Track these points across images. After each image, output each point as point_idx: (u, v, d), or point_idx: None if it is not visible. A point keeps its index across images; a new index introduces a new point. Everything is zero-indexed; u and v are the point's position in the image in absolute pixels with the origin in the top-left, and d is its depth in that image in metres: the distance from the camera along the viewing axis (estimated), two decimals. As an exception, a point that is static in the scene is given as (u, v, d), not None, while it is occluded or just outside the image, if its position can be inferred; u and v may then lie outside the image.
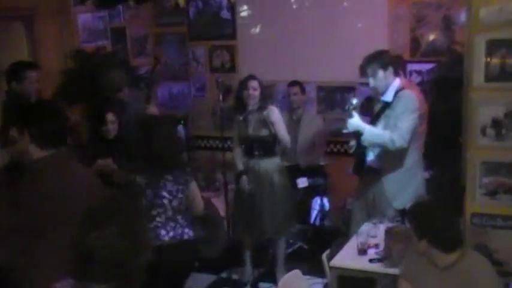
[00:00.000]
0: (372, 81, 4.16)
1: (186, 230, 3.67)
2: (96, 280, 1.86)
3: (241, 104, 4.82)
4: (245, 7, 6.25)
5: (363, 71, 4.25)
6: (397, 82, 4.15)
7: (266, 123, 4.76)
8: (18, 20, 5.40)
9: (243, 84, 4.83)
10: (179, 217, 3.66)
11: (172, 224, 3.63)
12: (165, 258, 3.43)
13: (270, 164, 4.84)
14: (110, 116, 4.49)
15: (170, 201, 3.62)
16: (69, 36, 5.86)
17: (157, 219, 3.59)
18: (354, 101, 4.14)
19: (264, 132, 4.78)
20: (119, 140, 4.47)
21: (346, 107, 4.15)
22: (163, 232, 3.59)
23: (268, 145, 4.84)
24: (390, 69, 4.13)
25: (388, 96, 4.12)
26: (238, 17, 6.34)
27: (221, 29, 6.44)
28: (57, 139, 2.74)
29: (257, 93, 4.77)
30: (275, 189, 4.84)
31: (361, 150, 4.23)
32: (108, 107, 4.71)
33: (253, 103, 4.76)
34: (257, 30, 6.25)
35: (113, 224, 1.89)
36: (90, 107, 5.29)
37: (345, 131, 4.14)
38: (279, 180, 4.86)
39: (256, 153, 4.81)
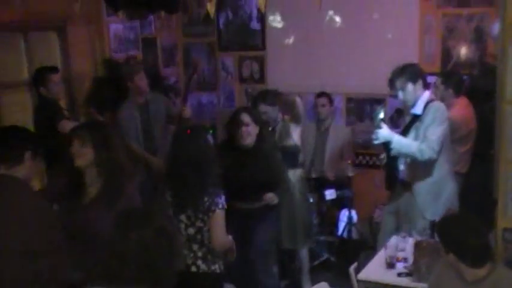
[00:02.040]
0: (401, 95, 4.16)
1: (199, 263, 3.33)
2: (126, 284, 1.87)
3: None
4: (275, 18, 6.28)
5: (391, 84, 4.23)
6: (426, 94, 4.15)
7: (289, 134, 4.73)
8: (52, 30, 5.49)
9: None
10: (195, 246, 3.33)
11: (185, 251, 3.30)
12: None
13: (292, 176, 4.79)
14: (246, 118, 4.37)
15: (186, 226, 3.31)
16: (101, 45, 5.93)
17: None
18: (381, 112, 4.15)
19: (289, 142, 4.74)
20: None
21: (374, 115, 4.19)
22: (189, 262, 3.34)
23: (291, 156, 4.78)
24: (420, 82, 4.11)
25: (418, 109, 4.12)
26: (268, 28, 6.39)
27: (250, 40, 6.50)
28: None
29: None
30: (295, 200, 4.80)
31: (392, 162, 4.23)
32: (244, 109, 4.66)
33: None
34: (286, 41, 6.28)
35: (146, 230, 1.91)
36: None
37: (375, 141, 4.13)
38: (300, 192, 4.84)
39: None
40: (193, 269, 3.33)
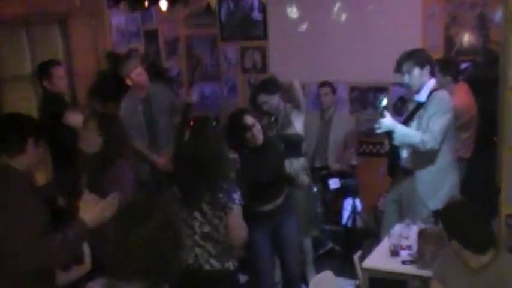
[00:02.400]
0: (407, 78, 4.15)
1: (212, 261, 3.28)
2: (130, 278, 1.87)
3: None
4: (276, 7, 6.27)
5: (399, 67, 4.21)
6: (432, 82, 4.15)
7: (291, 122, 4.73)
8: (54, 23, 5.52)
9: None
10: (209, 245, 3.26)
11: (198, 250, 3.26)
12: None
13: (295, 164, 4.73)
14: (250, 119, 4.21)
15: (201, 224, 3.23)
16: (103, 37, 5.96)
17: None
18: (384, 100, 4.16)
19: (290, 131, 4.74)
20: None
21: (377, 103, 4.18)
22: (188, 259, 3.26)
23: (294, 145, 4.76)
24: (427, 68, 4.11)
25: (422, 97, 4.12)
26: (269, 18, 6.38)
27: (252, 30, 6.51)
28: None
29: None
30: (298, 190, 4.71)
31: (394, 150, 4.24)
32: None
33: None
34: (288, 30, 6.28)
35: (152, 221, 1.90)
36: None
37: (378, 130, 4.14)
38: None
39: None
40: (207, 267, 3.27)
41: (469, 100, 4.87)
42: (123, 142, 3.33)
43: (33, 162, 2.81)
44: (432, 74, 4.18)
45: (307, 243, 5.04)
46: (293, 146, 4.76)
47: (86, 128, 3.17)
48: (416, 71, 4.09)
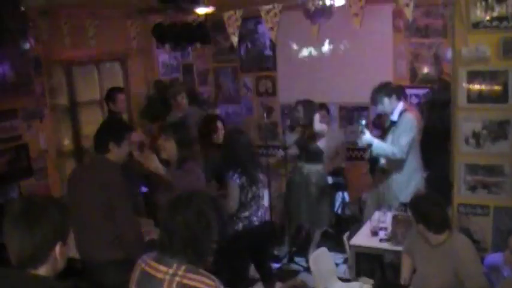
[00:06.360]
0: (380, 107, 4.20)
1: (265, 214, 3.66)
2: (176, 254, 1.87)
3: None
4: (283, 47, 6.30)
5: (372, 99, 4.26)
6: (401, 105, 4.18)
7: (313, 137, 4.71)
8: (116, 60, 5.62)
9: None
10: (263, 203, 3.63)
11: (261, 210, 3.62)
12: (256, 237, 3.54)
13: (312, 169, 4.81)
14: (219, 124, 4.47)
15: (257, 189, 3.56)
16: (152, 70, 6.05)
17: (253, 207, 3.54)
18: (363, 122, 4.16)
19: (309, 143, 4.76)
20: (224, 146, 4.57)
21: (358, 124, 4.18)
22: (254, 218, 3.56)
23: (312, 154, 4.78)
24: (394, 96, 4.15)
25: (395, 116, 4.16)
26: (278, 54, 6.43)
27: (265, 63, 6.55)
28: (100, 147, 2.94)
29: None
30: (312, 189, 4.79)
31: (374, 157, 4.26)
32: (217, 117, 4.74)
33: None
34: (292, 64, 6.30)
35: (189, 210, 1.89)
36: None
37: (360, 144, 4.17)
38: (317, 182, 4.82)
39: (303, 158, 4.84)
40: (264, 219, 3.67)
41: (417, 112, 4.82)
42: (192, 144, 3.56)
43: (118, 158, 2.96)
44: (399, 99, 4.20)
45: (317, 234, 4.99)
46: (311, 155, 4.80)
47: (165, 140, 3.33)
48: (386, 100, 4.13)
